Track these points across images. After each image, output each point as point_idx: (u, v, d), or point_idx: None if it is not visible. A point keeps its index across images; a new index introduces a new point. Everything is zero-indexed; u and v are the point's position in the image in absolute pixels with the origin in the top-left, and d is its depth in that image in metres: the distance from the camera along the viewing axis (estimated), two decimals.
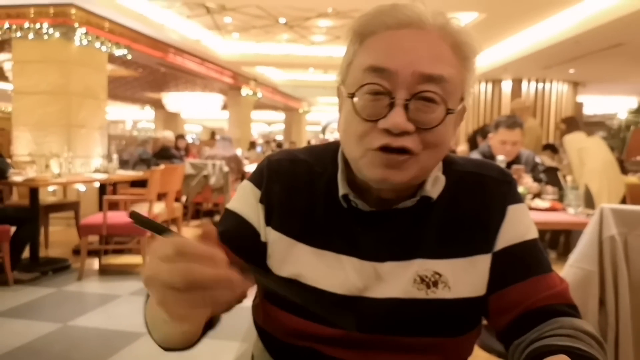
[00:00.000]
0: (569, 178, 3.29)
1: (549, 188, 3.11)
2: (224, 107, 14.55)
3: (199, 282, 0.44)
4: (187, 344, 0.65)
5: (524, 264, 0.75)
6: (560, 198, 3.04)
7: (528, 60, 8.53)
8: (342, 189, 0.75)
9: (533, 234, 0.77)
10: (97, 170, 5.41)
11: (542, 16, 6.92)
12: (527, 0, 5.98)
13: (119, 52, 7.02)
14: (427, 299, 0.73)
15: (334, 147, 0.83)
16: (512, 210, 0.77)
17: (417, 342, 0.74)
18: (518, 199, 0.79)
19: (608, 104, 14.96)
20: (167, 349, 0.67)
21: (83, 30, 6.27)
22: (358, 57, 0.69)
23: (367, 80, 0.66)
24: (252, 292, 0.81)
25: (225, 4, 7.15)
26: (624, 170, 6.10)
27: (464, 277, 0.74)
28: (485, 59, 9.08)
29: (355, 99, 0.68)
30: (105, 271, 4.35)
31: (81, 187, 5.37)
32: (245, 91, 12.70)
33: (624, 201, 4.55)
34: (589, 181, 4.15)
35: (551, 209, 2.88)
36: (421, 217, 0.75)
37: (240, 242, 0.77)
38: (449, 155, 0.82)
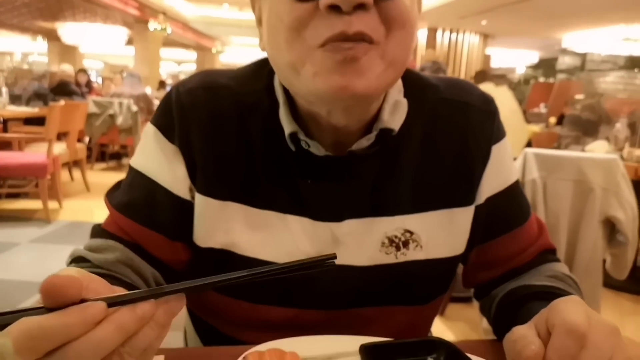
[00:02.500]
0: None
1: None
2: (129, 42, 13.47)
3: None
4: None
5: (508, 214, 0.66)
6: None
7: (444, 9, 8.70)
8: (288, 125, 0.57)
9: (515, 175, 0.68)
10: None
11: None
12: None
13: None
14: (396, 263, 0.61)
15: (266, 67, 0.62)
16: (496, 150, 0.64)
17: (380, 312, 0.63)
18: (502, 133, 0.66)
19: (511, 58, 15.81)
20: None
21: None
22: None
23: None
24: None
25: None
26: (526, 120, 6.51)
27: (439, 234, 0.62)
28: None
29: None
30: (0, 217, 3.93)
31: None
32: (153, 25, 11.78)
33: (529, 147, 4.87)
34: None
35: None
36: (388, 161, 0.60)
37: (154, 213, 0.60)
38: (419, 75, 0.66)
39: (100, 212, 4.16)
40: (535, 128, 5.93)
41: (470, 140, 0.64)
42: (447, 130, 0.63)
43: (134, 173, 0.63)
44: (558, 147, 3.90)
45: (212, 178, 0.60)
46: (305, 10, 0.47)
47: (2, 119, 4.75)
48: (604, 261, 2.19)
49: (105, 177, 5.84)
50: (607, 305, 2.59)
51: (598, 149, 3.23)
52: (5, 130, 4.93)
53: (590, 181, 2.00)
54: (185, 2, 11.85)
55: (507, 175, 0.67)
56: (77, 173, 5.14)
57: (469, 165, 0.64)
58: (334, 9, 0.46)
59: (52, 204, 3.97)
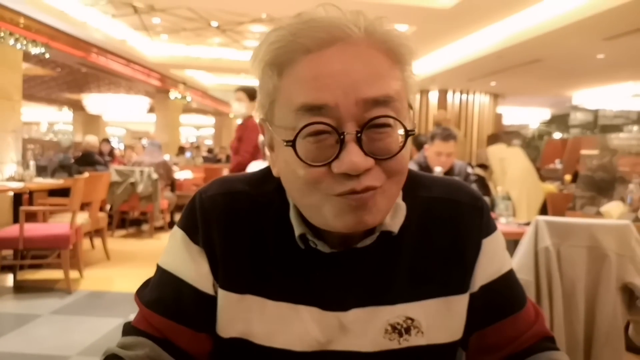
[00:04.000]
0: (499, 188, 3.44)
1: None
2: (150, 110, 14.01)
3: None
4: None
5: (502, 301, 0.71)
6: (491, 207, 3.16)
7: (454, 72, 8.94)
8: (298, 228, 0.64)
9: (508, 264, 0.73)
10: (11, 178, 4.99)
11: (468, 31, 7.25)
12: (455, 16, 6.24)
13: (35, 50, 6.53)
14: (399, 349, 0.66)
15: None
16: (487, 243, 0.70)
17: None
18: (492, 227, 0.72)
19: (523, 114, 15.99)
20: None
21: None
22: (282, 94, 0.58)
23: (304, 122, 0.55)
24: None
25: (154, 4, 6.86)
26: (541, 178, 6.52)
27: (439, 320, 0.67)
28: (415, 70, 9.40)
29: (296, 145, 0.56)
30: (22, 288, 4.00)
31: None
32: (173, 94, 12.29)
33: (544, 208, 4.85)
34: (509, 189, 4.38)
35: None
36: (388, 255, 0.67)
37: (182, 308, 0.67)
38: (413, 176, 0.72)
39: (119, 282, 4.23)
40: (551, 187, 5.93)
41: (462, 235, 0.69)
42: (439, 226, 0.69)
43: (161, 272, 0.70)
44: (573, 208, 3.90)
45: (231, 273, 0.67)
46: (319, 173, 0.56)
47: (28, 191, 4.91)
48: (626, 327, 2.15)
49: (126, 244, 5.93)
50: None
51: (613, 210, 3.22)
52: (30, 201, 5.09)
53: (604, 247, 2.00)
54: (204, 72, 12.38)
55: (500, 266, 0.72)
56: (97, 240, 5.24)
57: (462, 257, 0.69)
58: (345, 173, 0.55)
59: (73, 273, 4.04)
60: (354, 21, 0.57)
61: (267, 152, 0.67)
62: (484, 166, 6.71)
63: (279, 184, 0.66)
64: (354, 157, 0.54)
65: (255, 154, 3.95)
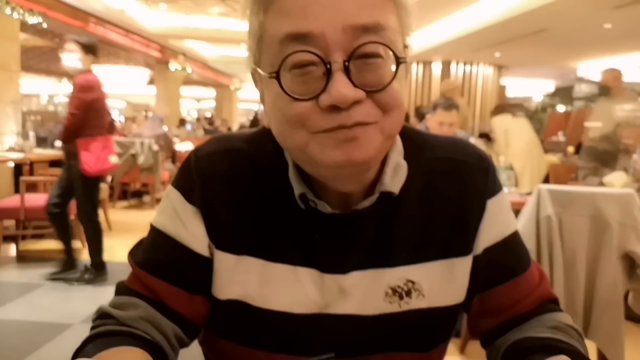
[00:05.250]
0: (501, 159, 3.41)
1: None
2: (150, 81, 13.89)
3: None
4: None
5: (506, 263, 0.69)
6: None
7: (458, 43, 8.79)
8: (298, 187, 0.62)
9: (513, 226, 0.71)
10: (11, 149, 4.98)
11: (471, 0, 7.10)
12: None
13: (32, 19, 6.42)
14: (400, 312, 0.65)
15: None
16: (492, 204, 0.68)
17: (387, 359, 0.66)
18: (497, 188, 0.69)
19: (527, 86, 15.81)
20: None
21: None
22: (268, 29, 0.55)
23: (288, 51, 0.52)
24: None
25: None
26: (544, 150, 6.50)
27: (440, 283, 0.66)
28: (417, 41, 9.25)
29: (281, 79, 0.53)
30: (24, 258, 4.04)
31: None
32: (173, 66, 12.14)
33: (546, 179, 4.84)
34: (513, 160, 4.37)
35: None
36: (389, 217, 0.64)
37: (175, 269, 0.65)
38: (417, 135, 0.70)
39: (120, 252, 4.24)
40: (554, 158, 5.90)
41: (466, 195, 0.67)
42: (443, 186, 0.67)
43: (155, 232, 0.67)
44: (576, 179, 3.88)
45: (228, 235, 0.64)
46: (305, 107, 0.53)
47: (29, 162, 4.91)
48: (626, 295, 2.15)
49: (127, 216, 5.95)
50: (631, 339, 2.52)
51: (616, 181, 3.20)
52: (31, 172, 5.09)
53: (606, 216, 1.99)
54: (204, 43, 12.23)
55: (504, 227, 0.69)
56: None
57: (466, 218, 0.67)
58: (333, 106, 0.51)
59: (75, 243, 4.06)
60: None
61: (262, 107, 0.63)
62: (486, 136, 6.67)
63: (277, 143, 0.63)
64: (341, 87, 0.50)
65: (87, 118, 3.32)
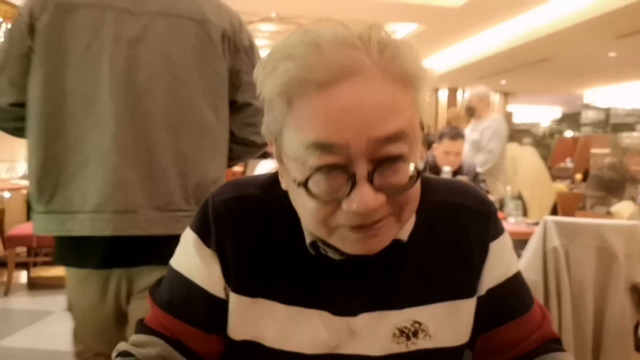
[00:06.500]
0: (508, 188, 3.43)
1: (491, 197, 3.23)
2: None
3: None
4: None
5: (509, 304, 0.72)
6: (500, 207, 3.16)
7: (463, 70, 8.92)
8: (308, 236, 0.65)
9: (515, 266, 0.74)
10: (24, 177, 5.06)
11: (477, 30, 7.22)
12: (464, 15, 6.22)
13: None
14: (407, 352, 0.67)
15: None
16: (494, 246, 0.71)
17: None
18: (499, 230, 0.72)
19: (534, 113, 15.88)
20: None
21: None
22: (291, 124, 0.56)
23: (314, 160, 0.54)
24: None
25: None
26: (552, 177, 6.50)
27: (446, 324, 0.68)
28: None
29: (308, 183, 0.55)
30: (35, 285, 4.07)
31: (6, 194, 4.99)
32: None
33: (555, 208, 4.84)
34: (521, 188, 4.38)
35: None
36: (395, 260, 0.67)
37: (192, 310, 0.68)
38: (422, 178, 0.71)
39: None
40: (561, 186, 5.90)
41: (468, 239, 0.70)
42: (445, 230, 0.70)
43: (174, 273, 0.71)
44: (583, 208, 3.88)
45: (243, 278, 0.68)
46: (331, 207, 0.56)
47: None
48: (636, 327, 2.14)
49: None
50: None
51: (624, 210, 3.21)
52: None
53: (612, 248, 2.00)
54: None
55: (507, 269, 0.72)
56: None
57: (469, 261, 0.70)
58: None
59: None
60: (366, 50, 0.54)
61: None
62: None
63: None
64: (365, 196, 0.53)
65: None
